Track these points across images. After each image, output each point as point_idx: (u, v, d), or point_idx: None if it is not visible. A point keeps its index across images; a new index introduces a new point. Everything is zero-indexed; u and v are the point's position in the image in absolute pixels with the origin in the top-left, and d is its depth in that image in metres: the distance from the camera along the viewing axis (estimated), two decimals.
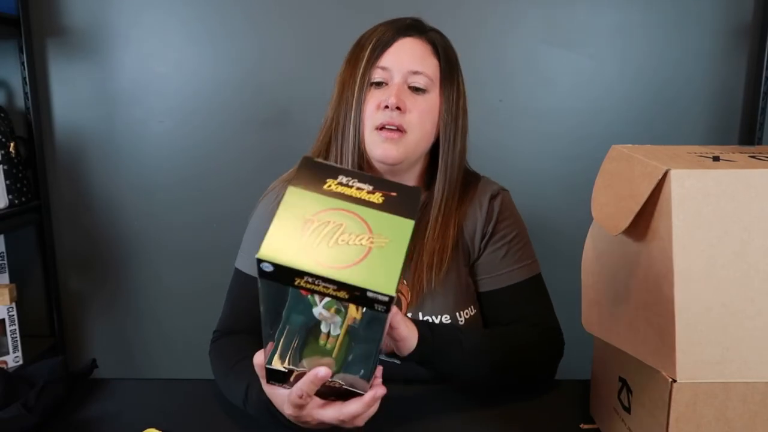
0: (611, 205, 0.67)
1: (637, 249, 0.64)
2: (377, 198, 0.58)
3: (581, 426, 0.79)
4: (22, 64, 1.68)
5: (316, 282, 0.52)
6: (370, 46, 0.91)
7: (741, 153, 0.66)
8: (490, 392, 0.89)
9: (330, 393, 0.64)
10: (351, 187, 0.58)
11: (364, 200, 0.57)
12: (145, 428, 0.75)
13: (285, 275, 0.53)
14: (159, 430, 0.75)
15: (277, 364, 0.61)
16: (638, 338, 0.64)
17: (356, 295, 0.52)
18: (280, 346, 0.60)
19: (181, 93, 1.75)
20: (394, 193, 0.58)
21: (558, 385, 0.92)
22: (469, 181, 1.00)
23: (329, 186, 0.58)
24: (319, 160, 0.61)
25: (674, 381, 0.58)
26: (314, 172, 0.59)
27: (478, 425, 0.80)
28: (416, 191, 0.60)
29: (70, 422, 0.81)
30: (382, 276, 0.52)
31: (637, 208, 0.61)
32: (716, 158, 0.62)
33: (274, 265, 0.52)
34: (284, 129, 1.75)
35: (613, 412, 0.74)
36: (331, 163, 0.62)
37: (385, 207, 0.57)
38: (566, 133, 1.77)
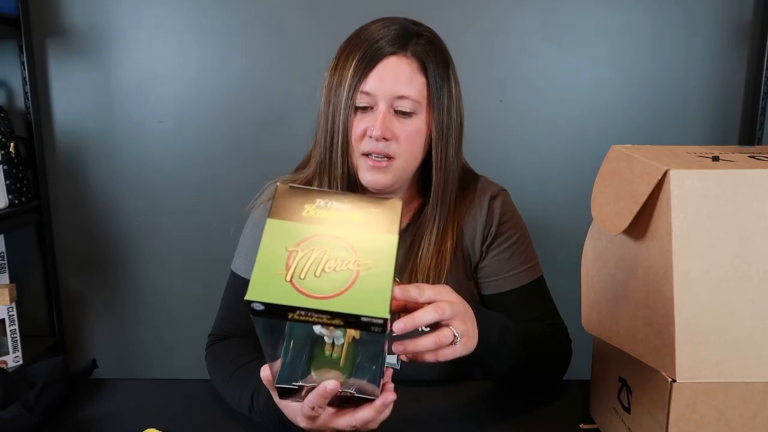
0: (611, 205, 0.67)
1: (636, 249, 0.64)
2: (358, 217, 0.57)
3: (581, 426, 0.79)
4: (22, 64, 1.68)
5: (309, 314, 0.52)
6: (351, 67, 0.86)
7: (741, 153, 0.66)
8: (490, 392, 0.89)
9: (342, 401, 0.64)
10: (329, 209, 0.57)
11: (344, 222, 0.57)
12: (145, 428, 0.75)
13: (277, 312, 0.53)
14: (159, 430, 0.75)
15: (287, 382, 0.62)
16: (638, 338, 0.64)
17: (351, 321, 0.53)
18: (287, 363, 0.60)
19: (181, 93, 1.75)
20: (374, 209, 0.58)
21: (558, 385, 0.91)
22: (467, 181, 0.98)
23: (308, 212, 0.57)
24: (294, 185, 0.60)
25: (674, 381, 0.58)
26: (290, 199, 0.58)
27: (478, 425, 0.80)
28: (395, 204, 0.59)
29: (70, 422, 0.81)
30: (373, 299, 0.52)
31: (636, 208, 0.61)
32: (716, 158, 0.62)
33: (265, 304, 0.52)
34: (284, 129, 1.75)
35: (613, 412, 0.74)
36: (305, 186, 0.60)
37: (366, 226, 0.57)
38: (566, 133, 1.76)
